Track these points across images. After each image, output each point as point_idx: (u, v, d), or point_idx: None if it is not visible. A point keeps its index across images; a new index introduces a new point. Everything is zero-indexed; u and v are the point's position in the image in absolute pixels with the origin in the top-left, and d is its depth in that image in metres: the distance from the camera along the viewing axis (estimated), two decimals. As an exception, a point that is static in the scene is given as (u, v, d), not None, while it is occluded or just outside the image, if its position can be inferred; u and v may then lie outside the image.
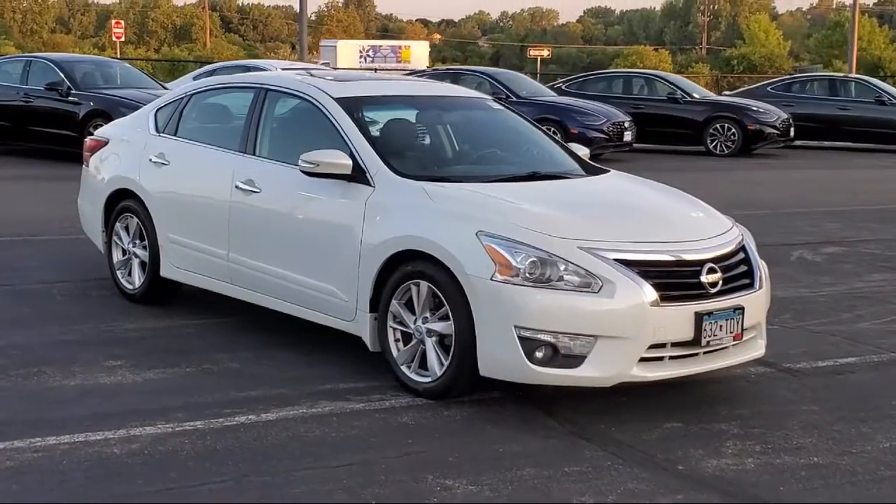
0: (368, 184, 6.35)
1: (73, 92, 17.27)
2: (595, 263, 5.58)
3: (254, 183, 6.98)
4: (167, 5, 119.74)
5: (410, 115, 7.32)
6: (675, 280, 5.70)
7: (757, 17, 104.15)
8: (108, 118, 15.97)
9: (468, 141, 7.39)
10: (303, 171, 6.48)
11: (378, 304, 6.19)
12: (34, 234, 10.89)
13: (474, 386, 5.90)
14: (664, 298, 5.59)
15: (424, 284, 5.92)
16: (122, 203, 8.13)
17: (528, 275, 5.56)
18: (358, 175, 6.40)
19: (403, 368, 6.08)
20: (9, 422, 5.55)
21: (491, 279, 5.58)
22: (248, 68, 19.41)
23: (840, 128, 24.17)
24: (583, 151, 7.43)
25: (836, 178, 19.90)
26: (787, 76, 28.34)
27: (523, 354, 5.53)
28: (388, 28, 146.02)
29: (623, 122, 20.17)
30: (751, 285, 6.03)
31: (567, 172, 6.97)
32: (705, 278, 5.75)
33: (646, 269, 5.64)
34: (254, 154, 7.16)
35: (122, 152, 8.24)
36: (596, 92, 23.22)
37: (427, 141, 7.21)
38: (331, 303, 6.48)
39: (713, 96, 24.47)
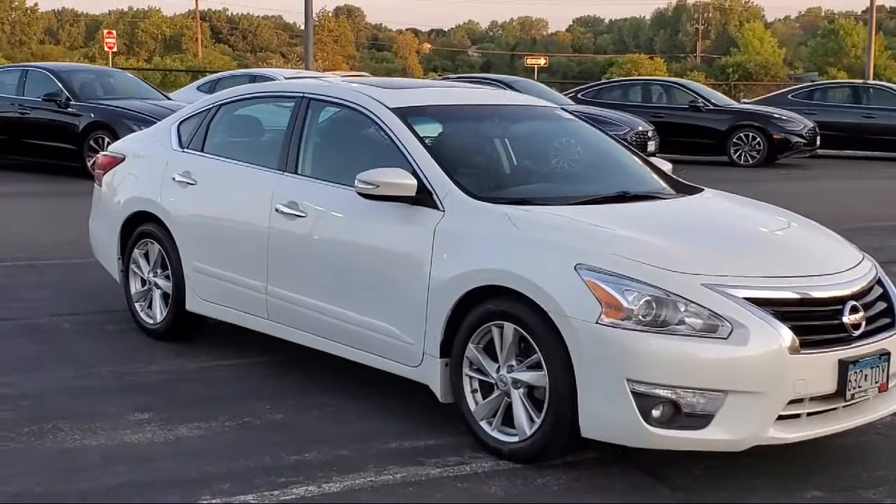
0: (436, 207, 5.47)
1: (73, 103, 16.35)
2: (722, 303, 4.70)
3: (297, 206, 6.09)
4: (157, 16, 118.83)
5: (475, 126, 6.43)
6: (814, 322, 4.82)
7: (751, 24, 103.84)
8: (110, 130, 15.17)
9: (541, 156, 6.51)
10: (360, 194, 5.59)
11: (451, 347, 5.31)
12: (38, 258, 9.97)
13: (570, 447, 5.01)
14: (804, 344, 4.71)
15: (510, 327, 5.03)
16: (140, 227, 7.24)
17: (641, 317, 4.68)
18: (423, 197, 5.52)
19: (483, 425, 5.20)
20: (22, 495, 4.66)
21: (596, 322, 4.70)
22: (252, 77, 18.56)
23: (864, 136, 23.31)
24: (666, 166, 6.56)
25: (874, 189, 19.02)
26: (809, 84, 27.48)
27: (638, 413, 4.64)
28: (378, 38, 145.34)
29: (647, 132, 19.31)
30: (892, 325, 5.14)
31: (658, 192, 6.10)
32: (847, 319, 4.87)
33: (781, 310, 4.76)
34: (295, 172, 6.28)
35: (141, 170, 7.34)
36: (613, 100, 22.37)
37: (497, 156, 6.32)
38: (391, 345, 5.60)
39: (736, 104, 23.63)
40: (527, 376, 5.00)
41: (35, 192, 15.45)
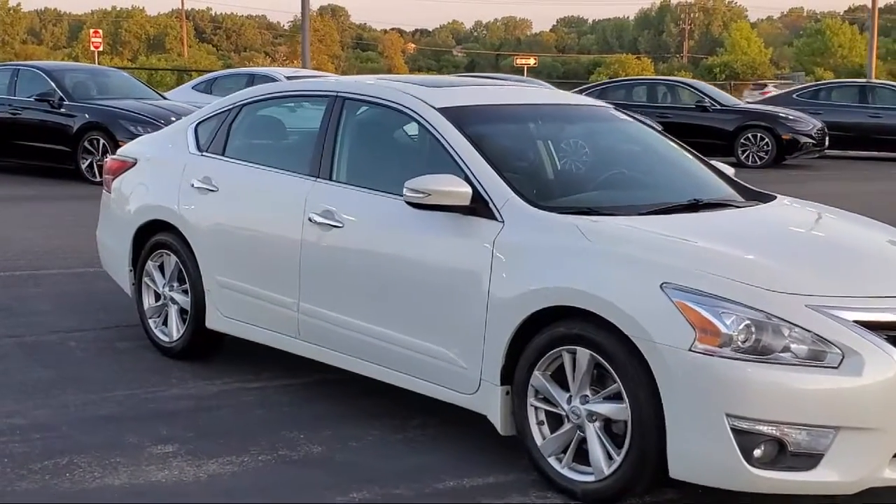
0: (493, 217, 4.94)
1: (66, 103, 15.73)
2: (830, 327, 4.18)
3: (333, 215, 5.55)
4: (140, 15, 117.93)
5: (529, 128, 5.90)
6: (931, 348, 4.29)
7: (738, 24, 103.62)
8: (106, 132, 14.61)
9: (600, 160, 5.98)
10: (409, 203, 5.05)
11: (513, 374, 4.78)
12: (37, 267, 9.39)
13: (653, 488, 4.49)
14: (923, 374, 4.18)
15: (584, 353, 4.50)
16: (155, 237, 6.69)
17: (740, 344, 4.15)
18: (478, 207, 4.99)
19: (552, 461, 4.67)
20: (43, 548, 4.11)
21: (689, 350, 4.17)
22: (250, 76, 18.02)
23: (871, 136, 22.84)
24: (729, 170, 6.05)
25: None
26: (813, 83, 27.03)
27: (739, 453, 4.11)
28: (363, 38, 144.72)
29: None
30: None
31: (729, 199, 5.58)
32: (968, 344, 4.34)
33: (894, 334, 4.23)
34: (330, 179, 5.74)
35: (155, 176, 6.78)
36: (617, 100, 21.78)
37: (553, 161, 5.79)
38: (443, 370, 5.07)
39: (742, 104, 23.14)
40: (604, 408, 4.48)
41: (28, 196, 14.81)
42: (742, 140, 21.07)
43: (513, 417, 4.82)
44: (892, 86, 24.51)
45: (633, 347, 4.32)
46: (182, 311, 6.59)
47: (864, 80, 29.11)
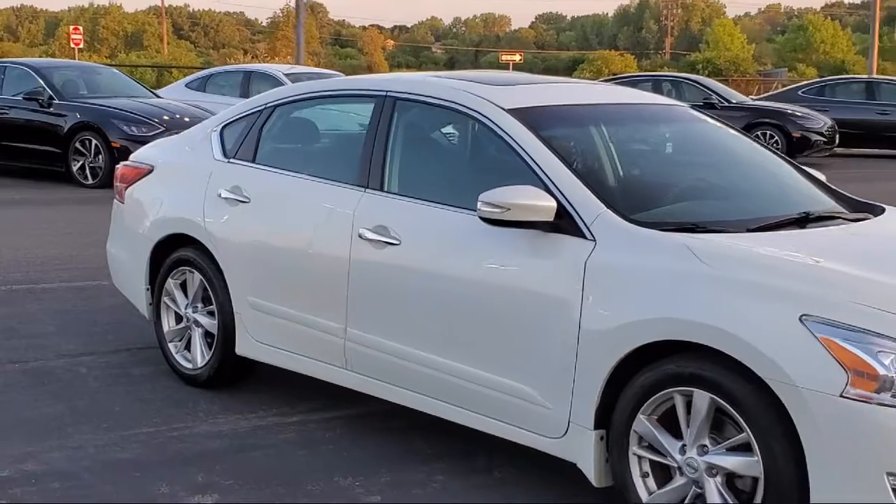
0: (581, 235, 4.29)
1: (56, 102, 14.99)
2: None
3: (388, 231, 4.89)
4: (118, 12, 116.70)
5: (609, 131, 5.25)
6: None
7: (721, 20, 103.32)
8: (98, 132, 13.91)
9: (692, 167, 5.32)
10: (483, 218, 4.39)
11: (609, 417, 4.13)
12: (35, 280, 8.67)
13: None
14: None
15: (703, 395, 3.87)
16: (176, 253, 6.02)
17: (903, 389, 3.51)
18: (564, 223, 4.35)
19: (661, 520, 4.01)
20: None
21: (841, 396, 3.53)
22: (248, 74, 17.36)
23: (880, 134, 22.26)
24: (822, 176, 5.42)
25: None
26: (818, 79, 26.48)
27: (903, 520, 3.48)
28: (342, 34, 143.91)
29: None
30: None
31: (837, 211, 4.94)
32: None
33: None
34: (381, 189, 5.08)
35: (176, 184, 6.12)
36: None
37: (642, 168, 5.15)
38: (522, 410, 4.43)
39: (751, 101, 22.51)
40: (729, 462, 3.84)
41: (17, 200, 14.01)
42: (752, 138, 20.39)
43: (609, 467, 4.17)
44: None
45: (766, 391, 3.68)
46: (207, 335, 5.93)
47: (867, 76, 28.56)
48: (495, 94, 4.97)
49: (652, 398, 4.00)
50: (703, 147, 5.42)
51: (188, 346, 6.06)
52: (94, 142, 14.35)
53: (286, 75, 17.02)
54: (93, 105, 14.85)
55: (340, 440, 5.23)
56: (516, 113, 4.79)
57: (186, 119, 14.96)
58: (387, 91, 5.29)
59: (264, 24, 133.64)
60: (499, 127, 4.75)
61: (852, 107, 22.66)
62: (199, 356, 5.96)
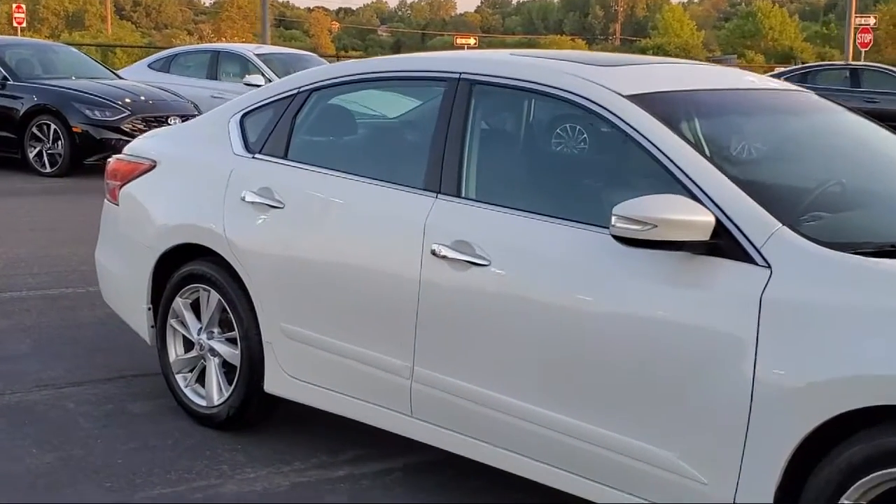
0: (750, 260, 3.33)
1: (10, 83, 13.74)
2: None
3: (472, 248, 3.89)
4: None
5: (753, 125, 4.28)
6: None
7: (671, 6, 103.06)
8: (58, 116, 12.74)
9: (843, 167, 4.31)
10: (618, 237, 3.40)
11: (796, 500, 3.16)
12: (1, 288, 7.55)
13: None
14: None
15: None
16: (187, 267, 4.99)
17: None
18: (725, 243, 3.38)
19: None
20: None
21: None
22: (216, 54, 16.21)
23: (867, 123, 21.49)
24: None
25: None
26: (801, 66, 25.72)
27: None
28: (286, 16, 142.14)
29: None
30: None
31: None
32: None
33: None
34: (458, 195, 4.08)
35: (187, 184, 5.08)
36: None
37: (802, 172, 4.15)
38: (658, 481, 3.48)
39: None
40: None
41: (-33, 189, 12.83)
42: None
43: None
44: (883, 69, 23.20)
45: None
46: (226, 367, 4.90)
47: (843, 62, 27.79)
48: (605, 76, 3.99)
49: (863, 480, 3.05)
50: (843, 142, 4.44)
51: (201, 379, 5.03)
52: (52, 126, 13.16)
53: (257, 56, 15.90)
54: (51, 87, 13.64)
55: (403, 498, 4.24)
56: (639, 101, 3.81)
57: (151, 102, 13.86)
58: (460, 73, 4.27)
59: (208, 4, 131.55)
60: (620, 118, 3.76)
61: (837, 94, 21.80)
62: (215, 392, 4.93)
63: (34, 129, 13.31)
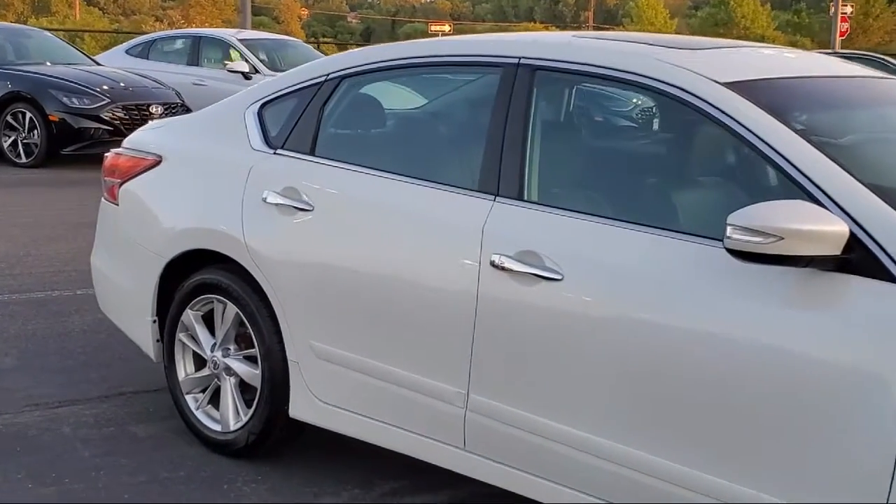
0: (889, 277, 2.80)
1: (-19, 70, 13.10)
2: None
3: (542, 260, 3.38)
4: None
5: (854, 116, 3.76)
6: None
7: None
8: (33, 104, 12.14)
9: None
10: (733, 250, 2.89)
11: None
12: (-20, 292, 6.98)
13: None
14: None
15: None
16: (199, 275, 4.45)
17: None
18: (858, 258, 2.86)
19: None
20: None
21: None
22: (196, 39, 15.59)
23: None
24: None
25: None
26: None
27: None
28: (255, 2, 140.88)
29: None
30: None
31: None
32: None
33: None
34: (521, 198, 3.56)
35: (198, 182, 4.53)
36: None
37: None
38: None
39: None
40: None
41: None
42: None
43: None
44: (873, 56, 22.77)
45: None
46: (244, 388, 4.36)
47: (831, 51, 27.37)
48: (693, 61, 3.47)
49: None
50: None
51: (214, 401, 4.50)
52: (28, 115, 12.53)
53: (240, 41, 15.29)
54: (25, 73, 12.99)
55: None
56: (739, 89, 3.29)
57: (131, 90, 13.25)
58: (520, 57, 3.74)
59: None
60: (720, 110, 3.25)
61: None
62: (231, 416, 4.40)
63: (8, 118, 12.67)
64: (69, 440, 4.57)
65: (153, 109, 13.03)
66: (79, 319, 6.25)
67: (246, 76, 14.69)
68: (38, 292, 6.87)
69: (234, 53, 15.10)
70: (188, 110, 13.67)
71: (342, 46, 42.84)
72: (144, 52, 15.79)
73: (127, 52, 16.08)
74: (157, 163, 4.70)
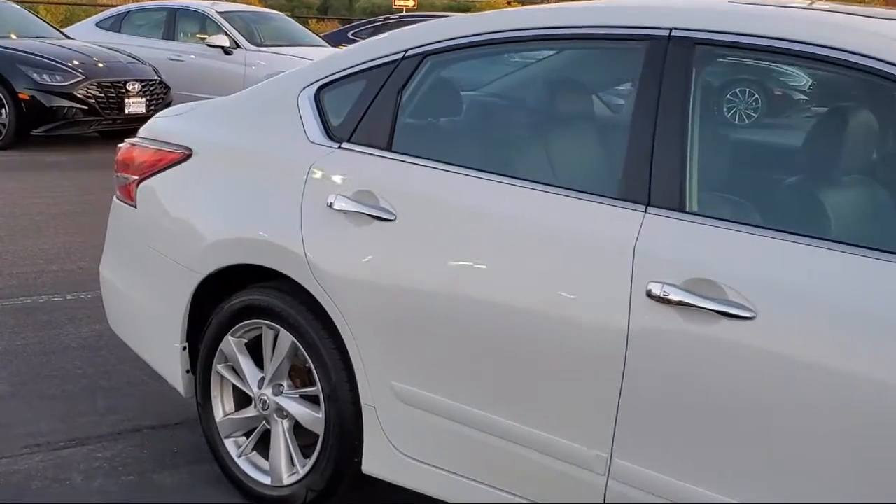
0: None
1: (-55, 44, 12.11)
2: None
3: (724, 291, 2.59)
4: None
5: None
6: None
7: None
8: (1, 81, 11.13)
9: None
10: None
11: None
12: (-43, 298, 6.12)
13: None
14: None
15: None
16: (244, 295, 3.62)
17: None
18: None
19: None
20: None
21: None
22: (172, 11, 14.64)
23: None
24: None
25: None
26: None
27: None
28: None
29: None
30: None
31: None
32: None
33: None
34: (682, 209, 2.77)
35: (241, 182, 3.70)
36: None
37: None
38: None
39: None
40: None
41: None
42: (728, 96, 18.45)
43: None
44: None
45: None
46: (300, 432, 3.56)
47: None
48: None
49: None
50: None
51: (261, 447, 3.68)
52: (-2, 95, 11.60)
53: (220, 14, 14.35)
54: (-8, 48, 12.01)
55: None
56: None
57: (105, 65, 12.32)
58: (671, 28, 2.94)
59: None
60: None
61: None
62: (284, 466, 3.60)
63: (-15, 101, 11.70)
64: (81, 494, 3.77)
65: (130, 87, 12.13)
66: (73, 331, 5.43)
67: (226, 51, 13.80)
68: (22, 298, 6.02)
69: (210, 25, 14.18)
70: (167, 87, 12.77)
71: (318, 22, 41.38)
72: (116, 24, 14.82)
73: (97, 24, 15.08)
74: (187, 157, 3.87)
